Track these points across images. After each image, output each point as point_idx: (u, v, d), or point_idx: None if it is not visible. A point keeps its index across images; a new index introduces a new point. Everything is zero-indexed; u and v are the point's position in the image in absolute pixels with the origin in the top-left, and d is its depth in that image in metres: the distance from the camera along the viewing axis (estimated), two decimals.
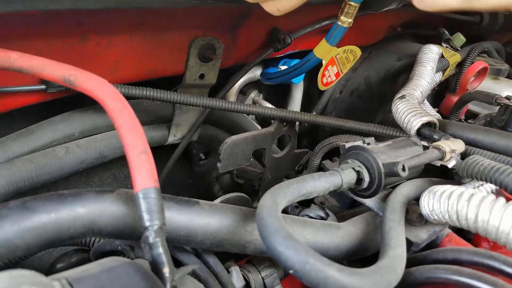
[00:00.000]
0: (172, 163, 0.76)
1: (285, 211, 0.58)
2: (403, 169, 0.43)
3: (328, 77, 0.92)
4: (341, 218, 0.52)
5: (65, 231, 0.33)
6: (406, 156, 0.47)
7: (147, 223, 0.31)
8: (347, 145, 0.49)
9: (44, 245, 0.32)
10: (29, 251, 0.32)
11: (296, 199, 0.39)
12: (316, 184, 0.41)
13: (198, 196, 0.98)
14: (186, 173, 0.96)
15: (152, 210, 0.31)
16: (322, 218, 0.51)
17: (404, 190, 0.45)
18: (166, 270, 0.29)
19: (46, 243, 0.32)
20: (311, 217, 0.51)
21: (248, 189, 0.90)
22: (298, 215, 0.54)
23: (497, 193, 0.48)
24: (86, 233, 0.34)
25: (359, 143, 0.49)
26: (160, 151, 0.76)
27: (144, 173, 0.32)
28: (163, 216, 0.32)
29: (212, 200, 0.53)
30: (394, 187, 0.48)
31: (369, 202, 0.47)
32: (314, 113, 1.00)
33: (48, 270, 0.55)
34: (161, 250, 0.30)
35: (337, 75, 0.94)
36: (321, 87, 0.88)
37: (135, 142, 0.34)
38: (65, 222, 0.32)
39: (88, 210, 0.33)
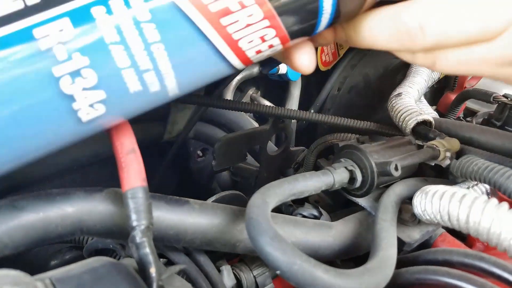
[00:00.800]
0: (169, 160, 0.76)
1: (279, 209, 0.58)
2: (396, 169, 0.42)
3: (327, 55, 0.91)
4: (335, 217, 0.52)
5: (53, 230, 0.32)
6: (399, 155, 0.46)
7: (134, 223, 0.31)
8: (341, 144, 0.49)
9: (32, 244, 0.32)
10: (17, 250, 0.32)
11: (287, 198, 0.39)
12: (308, 183, 0.41)
13: (195, 193, 0.98)
14: (184, 170, 0.96)
15: (140, 210, 0.31)
16: (315, 217, 0.51)
17: (397, 190, 0.45)
18: (152, 270, 0.29)
19: (34, 241, 0.32)
20: (304, 216, 0.51)
21: (246, 186, 0.90)
22: (291, 214, 0.54)
23: (492, 193, 0.47)
24: (75, 232, 0.34)
25: (352, 142, 0.49)
26: (156, 148, 0.76)
27: (132, 173, 0.32)
28: (150, 215, 0.31)
29: (210, 197, 0.53)
30: (388, 186, 0.47)
31: (362, 201, 0.47)
32: (312, 110, 1.00)
33: (43, 266, 0.55)
34: (147, 250, 0.30)
35: (334, 54, 0.93)
36: (322, 67, 0.87)
37: (123, 141, 0.34)
38: (53, 221, 0.32)
39: (76, 209, 0.33)
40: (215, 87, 0.72)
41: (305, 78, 1.03)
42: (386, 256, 0.35)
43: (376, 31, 0.30)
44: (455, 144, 0.50)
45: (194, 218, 0.37)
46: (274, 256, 0.30)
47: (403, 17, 0.27)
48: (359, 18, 0.31)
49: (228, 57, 0.28)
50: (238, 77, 0.89)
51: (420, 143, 0.51)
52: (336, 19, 0.31)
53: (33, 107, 0.24)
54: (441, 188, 0.39)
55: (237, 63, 0.30)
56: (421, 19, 0.26)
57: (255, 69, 0.92)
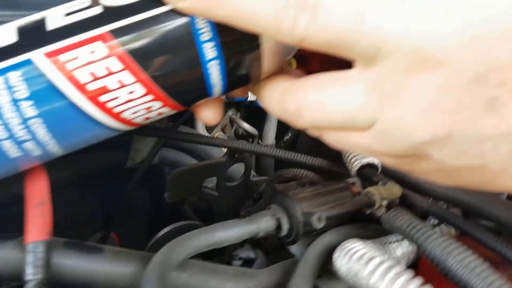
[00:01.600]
0: (133, 186, 0.77)
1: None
2: (319, 220, 0.42)
3: None
4: (275, 259, 0.52)
5: None
6: (330, 204, 0.46)
7: (28, 277, 0.32)
8: (278, 187, 0.49)
9: None
10: None
11: (203, 249, 0.39)
12: (228, 233, 0.41)
13: (168, 215, 0.97)
14: (158, 191, 0.97)
15: (37, 265, 0.32)
16: (250, 260, 0.51)
17: (326, 239, 0.44)
18: None
19: None
20: (240, 258, 0.51)
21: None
22: (231, 253, 0.54)
23: None
24: None
25: (286, 186, 0.49)
26: (123, 171, 0.77)
27: (35, 227, 0.33)
28: (47, 270, 0.32)
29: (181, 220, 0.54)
30: (322, 233, 0.47)
31: (293, 248, 0.47)
32: (290, 134, 1.00)
33: None
34: None
35: None
36: None
37: (34, 193, 0.35)
38: None
39: None
40: (178, 116, 0.73)
41: None
42: None
43: (269, 103, 0.30)
44: (395, 191, 0.49)
45: (105, 267, 0.38)
46: None
47: (285, 99, 0.28)
48: (259, 85, 0.32)
49: (114, 126, 0.29)
50: None
51: (360, 189, 0.50)
52: (232, 88, 0.32)
53: None
54: (354, 247, 0.38)
55: (125, 128, 0.30)
56: (298, 105, 0.27)
57: None
